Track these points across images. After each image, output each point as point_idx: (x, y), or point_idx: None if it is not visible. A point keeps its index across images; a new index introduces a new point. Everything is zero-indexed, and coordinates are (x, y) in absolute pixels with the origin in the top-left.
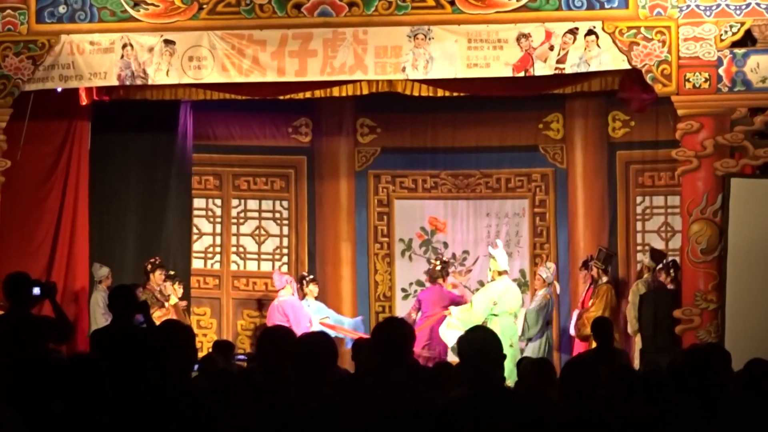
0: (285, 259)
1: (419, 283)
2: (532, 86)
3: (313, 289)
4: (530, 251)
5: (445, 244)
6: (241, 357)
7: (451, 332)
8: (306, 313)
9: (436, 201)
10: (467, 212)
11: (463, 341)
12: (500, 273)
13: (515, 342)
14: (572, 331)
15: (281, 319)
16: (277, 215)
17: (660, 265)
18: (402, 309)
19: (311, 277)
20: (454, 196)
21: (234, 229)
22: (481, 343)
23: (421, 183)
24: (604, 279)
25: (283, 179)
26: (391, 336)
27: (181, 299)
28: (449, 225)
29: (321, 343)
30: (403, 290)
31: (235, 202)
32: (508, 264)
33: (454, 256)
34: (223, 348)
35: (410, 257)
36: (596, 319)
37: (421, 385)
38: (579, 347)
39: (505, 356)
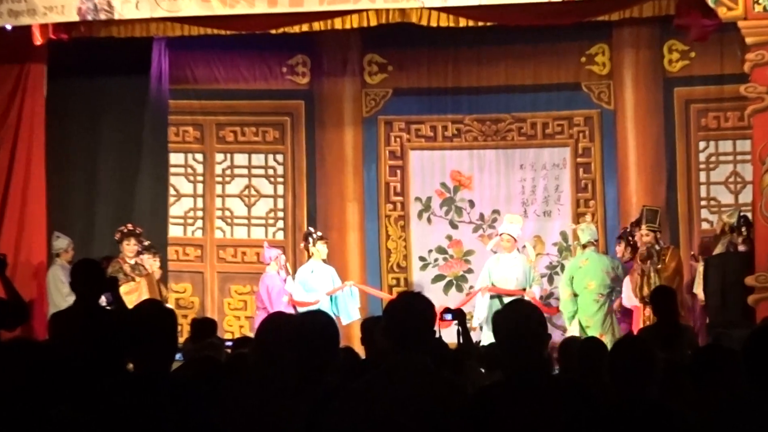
0: (280, 224)
1: (440, 251)
2: (573, 13)
3: (321, 249)
4: (572, 209)
5: (471, 203)
6: (230, 344)
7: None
8: (281, 292)
9: (459, 152)
10: (497, 164)
11: (498, 318)
12: (584, 246)
13: (593, 324)
14: (625, 300)
15: (260, 297)
16: (271, 172)
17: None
18: (421, 281)
19: (319, 234)
20: (480, 146)
21: (219, 189)
22: (519, 319)
23: (441, 130)
24: (665, 242)
25: (277, 129)
26: (407, 314)
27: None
28: (476, 180)
29: (320, 323)
30: (422, 259)
31: (219, 156)
32: (533, 227)
33: (482, 217)
34: (203, 328)
35: (429, 219)
36: (656, 288)
37: (446, 370)
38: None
39: (549, 336)
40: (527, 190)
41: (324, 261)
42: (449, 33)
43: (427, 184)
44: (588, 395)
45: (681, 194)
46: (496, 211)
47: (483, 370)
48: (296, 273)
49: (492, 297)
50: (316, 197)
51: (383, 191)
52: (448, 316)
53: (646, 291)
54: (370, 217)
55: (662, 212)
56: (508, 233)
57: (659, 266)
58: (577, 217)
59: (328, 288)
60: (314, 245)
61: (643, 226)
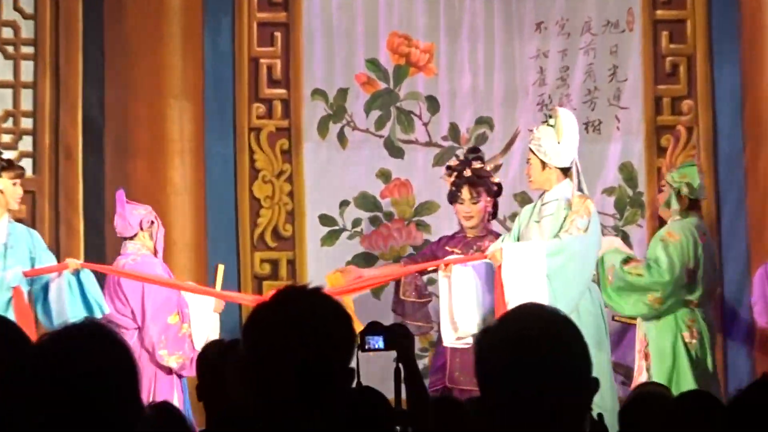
0: (26, 145)
1: (365, 203)
2: None
3: (5, 188)
4: (646, 118)
5: (432, 103)
6: None
7: None
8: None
9: None
10: (487, 22)
11: (483, 343)
12: (692, 199)
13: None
14: (757, 316)
15: (123, 307)
16: (8, 34)
17: None
18: (323, 265)
19: (6, 158)
20: None
21: None
22: (529, 347)
23: None
24: None
25: None
26: (295, 334)
27: None
28: (441, 54)
29: (89, 352)
30: (326, 221)
31: None
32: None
33: (454, 130)
34: None
35: (341, 136)
36: None
37: None
38: None
39: (596, 384)
40: (550, 76)
41: (11, 215)
42: None
43: (338, 62)
44: None
45: None
46: (484, 120)
47: None
48: None
49: None
50: (104, 89)
51: (246, 77)
52: (377, 341)
53: None
54: (216, 131)
55: None
56: (533, 147)
57: None
58: (657, 134)
59: (24, 267)
60: None
61: None
